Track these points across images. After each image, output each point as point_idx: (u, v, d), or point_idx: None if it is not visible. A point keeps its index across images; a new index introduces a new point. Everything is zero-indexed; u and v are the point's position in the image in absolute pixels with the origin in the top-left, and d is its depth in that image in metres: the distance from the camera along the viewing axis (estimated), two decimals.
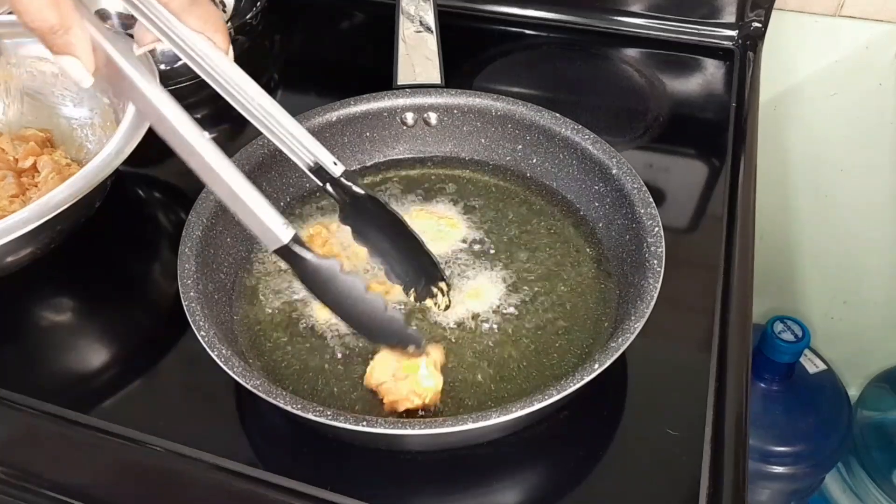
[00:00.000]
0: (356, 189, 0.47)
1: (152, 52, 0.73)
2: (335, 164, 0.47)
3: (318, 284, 0.43)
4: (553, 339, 0.52)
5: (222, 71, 0.43)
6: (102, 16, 0.73)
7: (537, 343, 0.52)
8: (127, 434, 0.48)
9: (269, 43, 0.87)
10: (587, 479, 0.46)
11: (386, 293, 0.54)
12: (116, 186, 0.64)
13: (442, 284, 0.52)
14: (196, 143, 0.39)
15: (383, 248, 0.50)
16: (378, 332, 0.45)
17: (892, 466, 1.07)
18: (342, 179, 0.47)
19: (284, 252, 0.42)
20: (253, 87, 0.44)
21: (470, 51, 0.83)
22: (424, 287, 0.51)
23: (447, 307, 0.52)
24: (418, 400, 0.46)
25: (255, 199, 0.40)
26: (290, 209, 0.62)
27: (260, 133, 0.60)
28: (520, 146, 0.64)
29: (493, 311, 0.53)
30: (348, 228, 0.51)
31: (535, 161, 0.63)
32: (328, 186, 0.48)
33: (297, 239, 0.42)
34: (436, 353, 0.48)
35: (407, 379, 0.47)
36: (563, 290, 0.55)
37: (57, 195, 0.51)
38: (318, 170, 0.47)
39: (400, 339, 0.46)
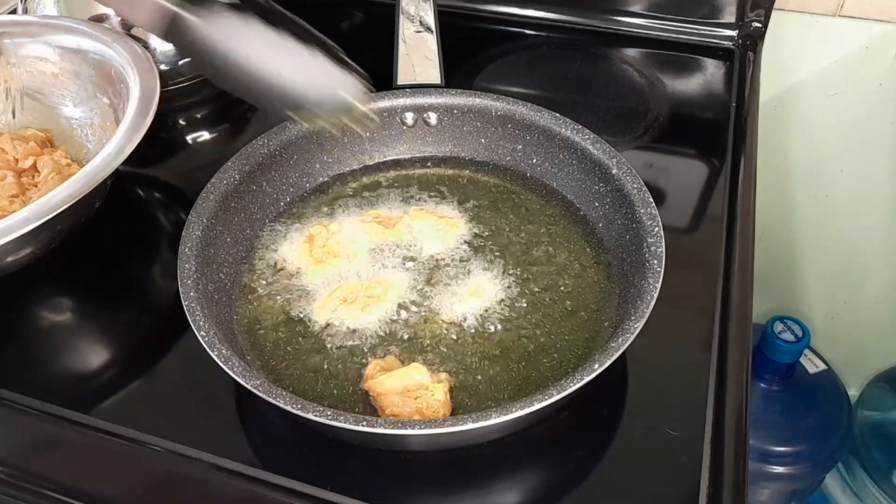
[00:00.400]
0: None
1: (152, 52, 0.73)
2: None
3: (216, 45, 0.34)
4: (553, 338, 0.52)
5: None
6: (100, 18, 0.73)
7: (537, 343, 0.52)
8: (127, 434, 0.48)
9: None
10: (587, 479, 0.46)
11: (385, 293, 0.54)
12: (116, 186, 0.64)
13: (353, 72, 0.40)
14: None
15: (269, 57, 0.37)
16: (309, 94, 0.35)
17: (892, 466, 1.07)
18: None
19: (167, 22, 0.32)
20: None
21: (470, 51, 0.83)
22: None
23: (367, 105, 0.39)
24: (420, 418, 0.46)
25: None
26: (290, 209, 0.62)
27: (261, 132, 0.61)
28: (520, 146, 0.64)
29: (493, 311, 0.53)
30: (349, 226, 0.49)
31: (535, 161, 0.63)
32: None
33: None
34: (446, 385, 0.48)
35: (416, 399, 0.47)
36: (563, 290, 0.55)
37: (57, 195, 0.51)
38: None
39: (336, 96, 0.35)
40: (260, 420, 0.49)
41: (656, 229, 0.51)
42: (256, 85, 0.35)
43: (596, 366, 0.42)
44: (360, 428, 0.41)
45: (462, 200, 0.62)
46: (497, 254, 0.58)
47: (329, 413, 0.41)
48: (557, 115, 0.61)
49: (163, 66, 0.75)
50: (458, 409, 0.48)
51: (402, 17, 0.79)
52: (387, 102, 0.64)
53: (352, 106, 0.36)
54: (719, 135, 0.71)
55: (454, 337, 0.52)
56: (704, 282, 0.56)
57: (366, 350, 0.51)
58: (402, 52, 0.74)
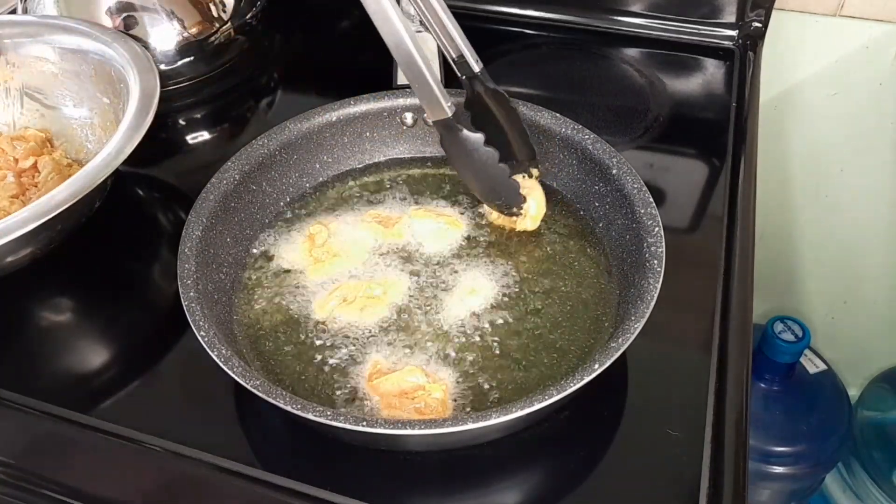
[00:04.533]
0: (489, 84, 0.58)
1: (152, 52, 0.73)
2: (477, 62, 0.58)
3: (463, 153, 0.54)
4: (553, 339, 0.52)
5: None
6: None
7: (537, 343, 0.52)
8: (127, 434, 0.48)
9: (269, 43, 0.87)
10: (587, 480, 0.46)
11: (384, 293, 0.55)
12: (116, 186, 0.64)
13: (535, 170, 0.60)
14: (401, 29, 0.48)
15: (496, 134, 0.58)
16: (497, 194, 0.56)
17: (892, 466, 1.07)
18: (479, 75, 0.58)
19: (445, 123, 0.52)
20: None
21: None
22: (523, 166, 0.60)
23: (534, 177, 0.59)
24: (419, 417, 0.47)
25: (433, 76, 0.50)
26: (290, 209, 0.62)
27: (261, 132, 0.61)
28: None
29: (493, 311, 0.53)
30: (349, 226, 0.53)
31: None
32: (464, 78, 0.59)
33: (456, 115, 0.52)
34: (444, 385, 0.49)
35: (414, 400, 0.47)
36: (564, 290, 0.55)
37: (57, 195, 0.51)
38: (461, 63, 0.58)
39: (513, 201, 0.57)
40: (260, 420, 0.49)
41: (656, 229, 0.51)
42: (469, 175, 0.57)
43: (596, 366, 0.42)
44: (359, 428, 0.41)
45: (462, 200, 0.62)
46: (497, 254, 0.58)
47: (329, 413, 0.41)
48: (557, 115, 0.61)
49: (163, 66, 0.75)
50: (457, 408, 0.48)
51: None
52: (387, 102, 0.64)
53: (511, 213, 0.58)
54: (719, 135, 0.71)
55: (454, 337, 0.52)
56: (704, 282, 0.56)
57: (365, 350, 0.51)
58: None
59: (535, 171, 0.59)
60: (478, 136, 0.53)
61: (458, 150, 0.54)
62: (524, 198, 0.57)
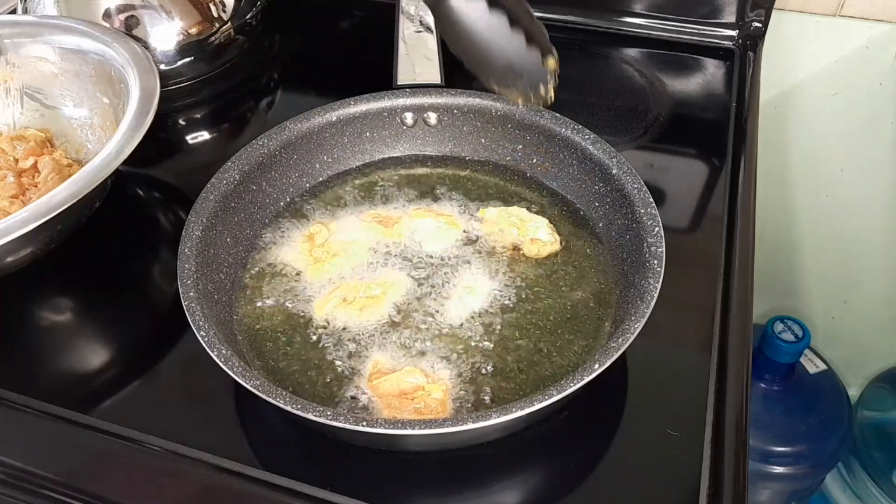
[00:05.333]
0: None
1: (152, 52, 0.73)
2: None
3: (466, 29, 0.46)
4: (553, 339, 0.52)
5: None
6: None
7: (537, 343, 0.52)
8: (127, 434, 0.48)
9: (269, 43, 0.87)
10: (587, 480, 0.46)
11: (384, 293, 0.55)
12: (116, 186, 0.64)
13: (551, 60, 0.49)
14: None
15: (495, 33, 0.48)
16: (517, 72, 0.47)
17: (892, 466, 1.07)
18: None
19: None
20: None
21: None
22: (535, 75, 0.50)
23: (555, 90, 0.50)
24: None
25: None
26: (290, 209, 0.62)
27: (261, 132, 0.61)
28: (520, 146, 0.64)
29: (492, 311, 0.53)
30: (349, 226, 0.53)
31: (535, 161, 0.63)
32: None
33: None
34: (444, 385, 0.49)
35: (414, 400, 0.47)
36: (563, 290, 0.55)
37: (57, 195, 0.51)
38: None
39: (537, 76, 0.47)
40: (260, 420, 0.49)
41: (656, 229, 0.51)
42: (478, 61, 0.47)
43: (596, 366, 0.42)
44: (360, 428, 0.41)
45: (461, 200, 0.62)
46: (496, 253, 0.58)
47: (329, 413, 0.41)
48: (557, 115, 0.61)
49: (163, 66, 0.75)
50: (457, 408, 0.48)
51: (402, 17, 0.79)
52: (387, 102, 0.64)
53: (539, 87, 0.48)
54: (719, 135, 0.71)
55: (453, 336, 0.52)
56: (704, 282, 0.56)
57: (365, 350, 0.51)
58: (402, 52, 0.74)
59: (551, 63, 0.49)
60: (478, 2, 0.44)
61: (460, 26, 0.45)
62: (548, 72, 0.48)
